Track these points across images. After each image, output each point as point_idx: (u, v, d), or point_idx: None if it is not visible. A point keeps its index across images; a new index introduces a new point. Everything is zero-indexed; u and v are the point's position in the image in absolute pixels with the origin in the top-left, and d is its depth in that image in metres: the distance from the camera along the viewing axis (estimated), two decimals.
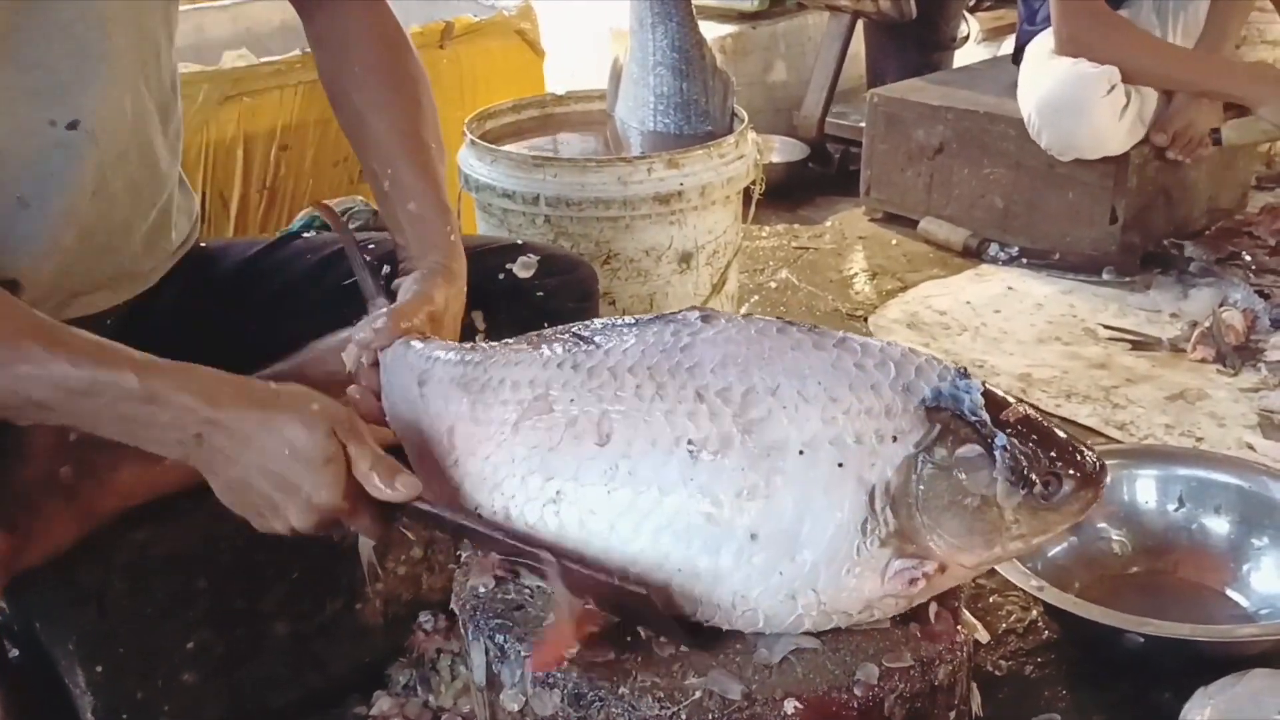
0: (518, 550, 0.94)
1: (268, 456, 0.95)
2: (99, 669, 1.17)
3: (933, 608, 0.94)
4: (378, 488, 0.95)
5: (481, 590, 0.98)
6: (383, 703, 1.32)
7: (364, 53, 1.30)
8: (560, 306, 1.37)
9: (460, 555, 1.05)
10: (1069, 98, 2.35)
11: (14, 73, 1.10)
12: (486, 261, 1.37)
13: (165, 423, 0.95)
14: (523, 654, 0.91)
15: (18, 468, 1.11)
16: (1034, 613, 1.44)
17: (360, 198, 1.97)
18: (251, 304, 1.38)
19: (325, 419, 0.95)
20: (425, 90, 1.32)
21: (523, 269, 1.39)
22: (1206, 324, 2.16)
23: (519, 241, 1.47)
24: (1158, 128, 2.39)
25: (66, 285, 1.22)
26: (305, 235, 1.59)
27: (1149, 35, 2.40)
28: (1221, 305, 2.24)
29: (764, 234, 2.79)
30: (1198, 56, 2.40)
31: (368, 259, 1.26)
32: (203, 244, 1.46)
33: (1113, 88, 2.31)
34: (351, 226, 1.59)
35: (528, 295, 1.37)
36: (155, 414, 0.95)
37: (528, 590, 0.98)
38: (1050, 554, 1.44)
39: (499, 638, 0.93)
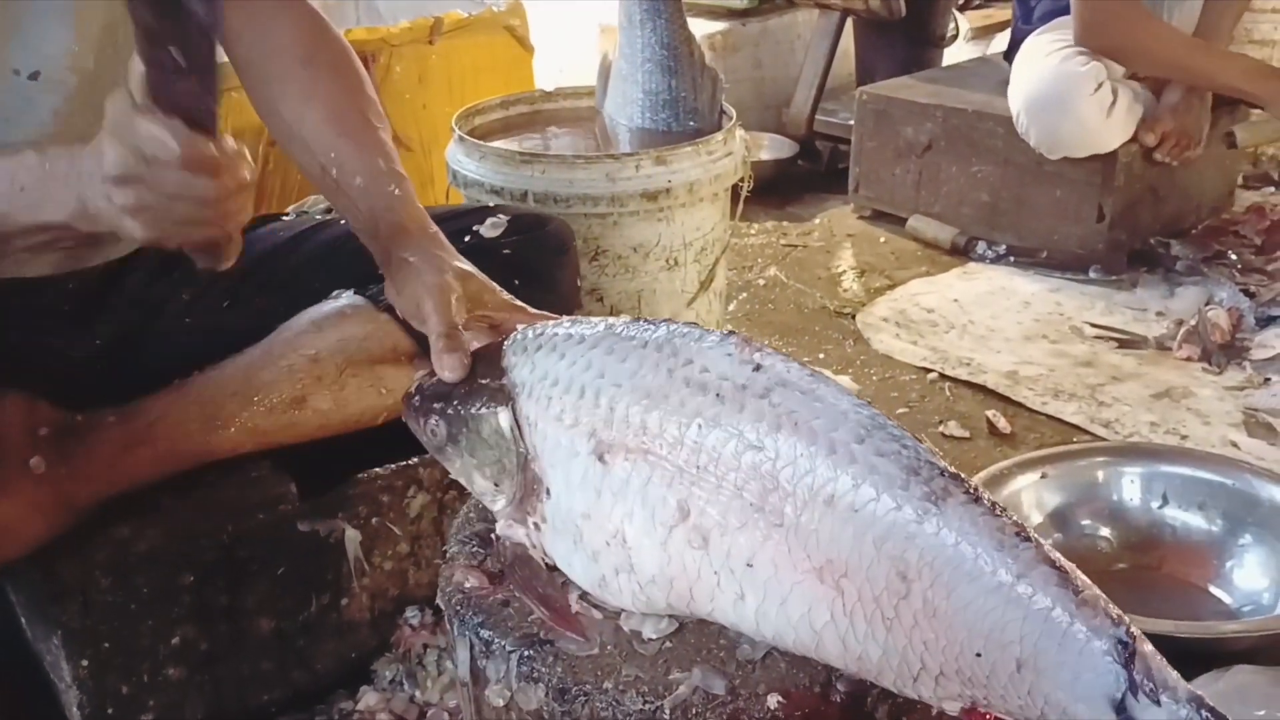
0: None
1: None
2: (84, 664, 1.17)
3: None
4: None
5: (467, 586, 0.98)
6: (369, 698, 1.32)
7: (285, 46, 1.26)
8: (531, 262, 1.37)
9: (446, 551, 1.05)
10: (1056, 95, 2.35)
11: None
12: (454, 225, 1.36)
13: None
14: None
15: None
16: None
17: None
18: (219, 281, 1.37)
19: None
20: (359, 75, 1.29)
21: (491, 229, 1.39)
22: (1192, 322, 2.17)
23: (490, 205, 1.47)
24: (1146, 127, 2.40)
25: (27, 237, 1.17)
26: (282, 216, 1.58)
27: (1167, 25, 2.39)
28: (1207, 304, 2.25)
29: (752, 231, 2.79)
30: (1214, 50, 2.40)
31: None
32: None
33: (1099, 85, 2.32)
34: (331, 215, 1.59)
35: (495, 254, 1.36)
36: None
37: (513, 586, 0.98)
38: None
39: (484, 633, 0.93)
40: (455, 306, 1.04)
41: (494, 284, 1.12)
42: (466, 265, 1.12)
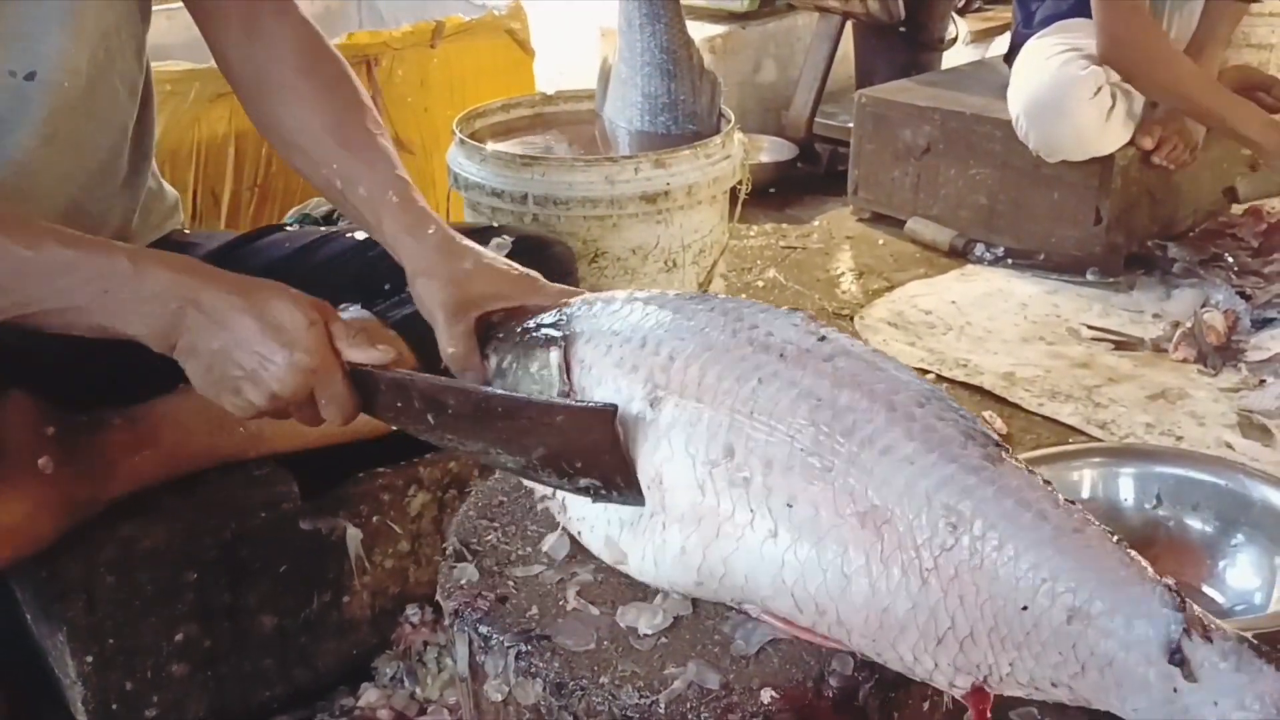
0: (491, 408, 0.97)
1: (251, 324, 0.99)
2: (89, 661, 1.18)
3: None
4: (360, 348, 1.00)
5: (465, 583, 0.99)
6: (369, 695, 1.33)
7: (283, 58, 1.27)
8: None
9: (446, 548, 1.07)
10: (1056, 99, 2.37)
11: None
12: None
13: (149, 295, 0.99)
14: None
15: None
16: None
17: None
18: None
19: (304, 298, 1.02)
20: (355, 86, 1.30)
21: (497, 250, 1.40)
22: (1188, 324, 2.18)
23: (494, 225, 1.48)
24: (1144, 130, 2.41)
25: None
26: (287, 228, 1.60)
27: (1187, 59, 2.38)
28: (1204, 306, 2.26)
29: (752, 233, 2.81)
30: (1227, 94, 2.37)
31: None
32: (185, 231, 1.47)
33: (1099, 89, 2.33)
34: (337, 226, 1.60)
35: None
36: (140, 287, 0.99)
37: (511, 582, 0.99)
38: None
39: (482, 629, 0.94)
40: (458, 335, 1.07)
41: (506, 265, 1.13)
42: (469, 261, 1.12)
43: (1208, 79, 2.39)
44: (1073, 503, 0.81)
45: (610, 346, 0.95)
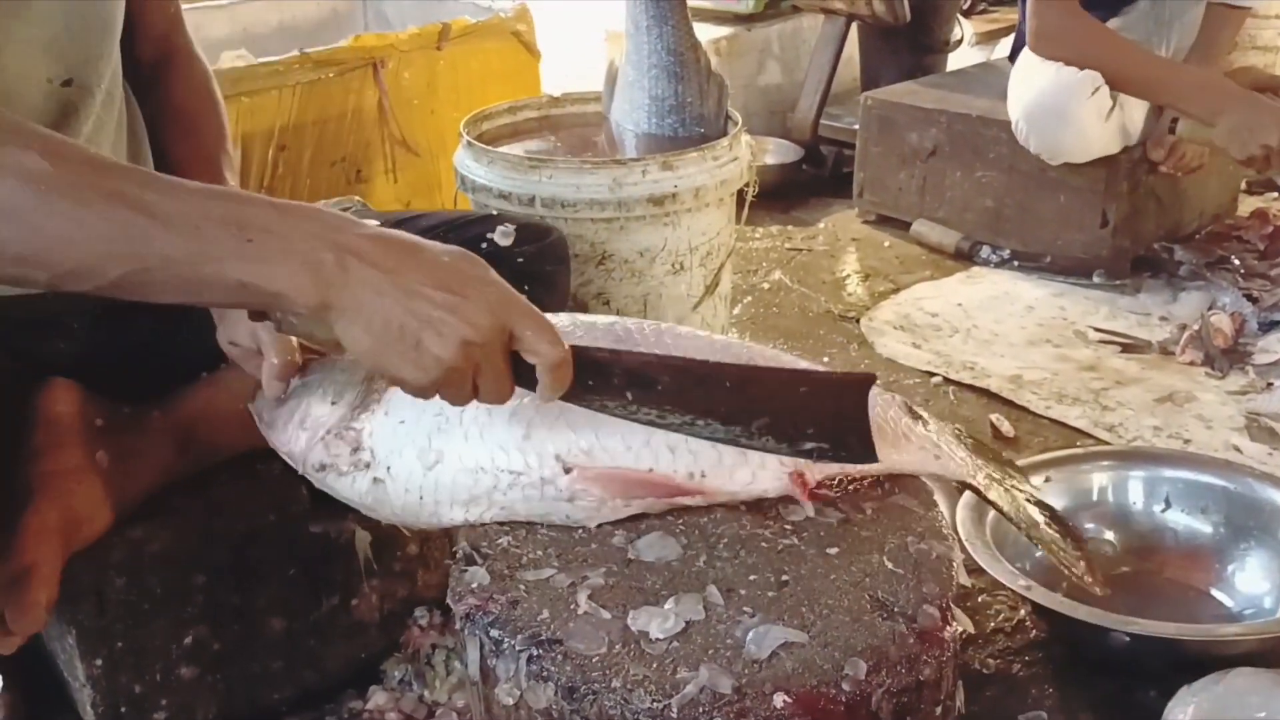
0: (717, 381, 1.01)
1: (429, 264, 0.89)
2: (98, 663, 1.19)
3: (922, 604, 0.95)
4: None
5: (476, 586, 0.99)
6: (378, 697, 1.33)
7: (178, 119, 1.35)
8: (539, 270, 1.47)
9: (456, 552, 1.07)
10: (1053, 103, 2.37)
11: (25, 27, 1.12)
12: (469, 231, 1.46)
13: (304, 248, 0.86)
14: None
15: (55, 454, 1.12)
16: (1021, 612, 1.46)
17: (357, 198, 1.98)
18: None
19: (466, 252, 0.94)
20: (222, 133, 1.37)
21: (503, 237, 1.49)
22: (1195, 327, 2.18)
23: (492, 213, 1.53)
24: (1154, 143, 2.41)
25: None
26: None
27: (1117, 36, 2.39)
28: (1210, 309, 2.26)
29: (757, 235, 2.81)
30: (1160, 64, 2.39)
31: None
32: None
33: (1096, 90, 2.33)
34: None
35: (509, 261, 1.43)
36: (292, 238, 0.86)
37: (522, 586, 0.99)
38: (1039, 554, 1.46)
39: (493, 632, 0.94)
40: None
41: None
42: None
43: (1143, 53, 2.38)
44: None
45: None
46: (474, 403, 0.95)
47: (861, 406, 1.01)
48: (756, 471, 1.04)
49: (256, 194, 0.92)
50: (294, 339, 1.07)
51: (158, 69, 1.36)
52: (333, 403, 1.07)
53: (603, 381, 0.97)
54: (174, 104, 1.35)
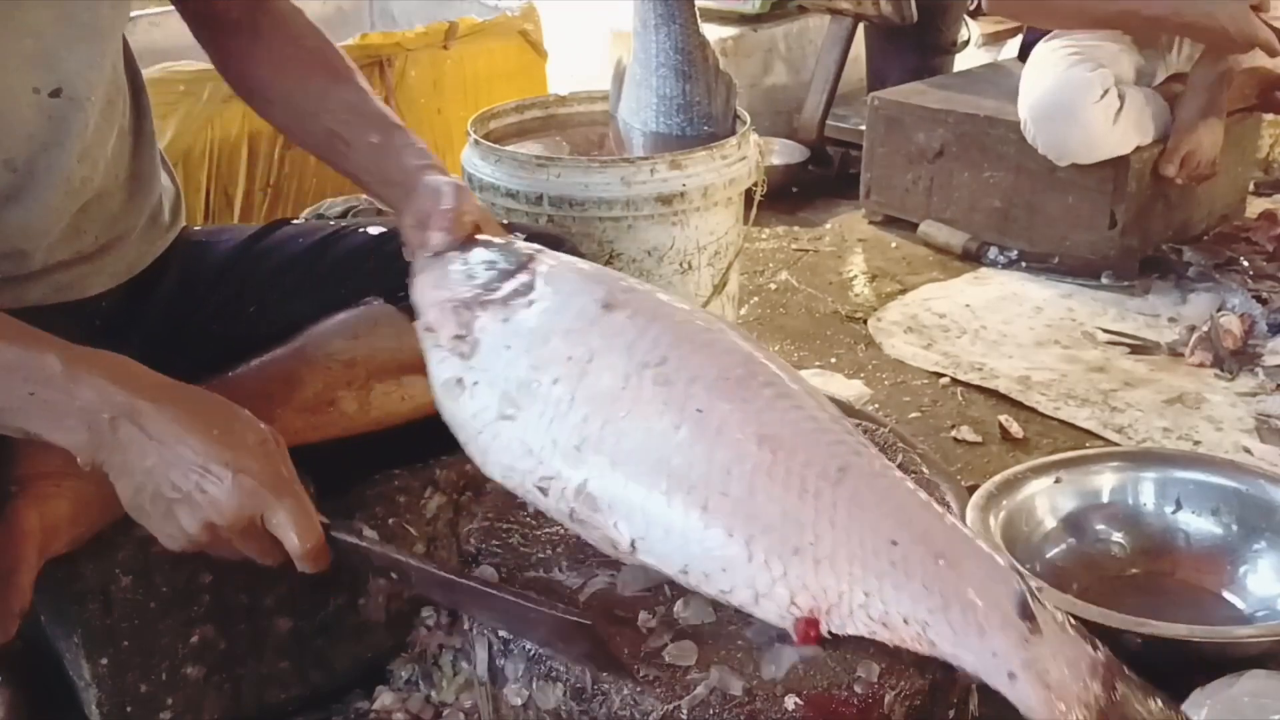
0: (449, 582, 0.95)
1: (192, 440, 0.92)
2: (103, 662, 1.18)
3: None
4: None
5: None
6: (385, 698, 1.33)
7: (290, 68, 1.33)
8: None
9: (465, 552, 1.06)
10: (1062, 103, 2.36)
11: (7, 39, 1.10)
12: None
13: (81, 405, 0.92)
14: None
15: (38, 456, 1.12)
16: None
17: (364, 196, 1.97)
18: (246, 287, 1.38)
19: (251, 416, 0.97)
20: (346, 65, 1.35)
21: None
22: (1204, 328, 2.17)
23: (505, 222, 1.49)
24: (1165, 159, 2.40)
25: (62, 251, 1.22)
26: (295, 221, 1.59)
27: None
28: (1219, 310, 2.25)
29: (764, 236, 2.80)
30: None
31: None
32: (195, 227, 1.47)
33: (1105, 92, 2.33)
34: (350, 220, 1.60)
35: None
36: (73, 394, 0.92)
37: (530, 586, 0.98)
38: (1049, 555, 1.45)
39: (502, 632, 0.94)
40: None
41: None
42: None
43: None
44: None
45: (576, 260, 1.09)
46: (562, 385, 0.95)
47: (593, 651, 0.88)
48: (760, 598, 0.90)
49: (54, 339, 0.96)
50: (478, 200, 1.14)
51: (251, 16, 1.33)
52: (471, 278, 1.05)
53: (362, 565, 1.00)
54: (287, 46, 1.33)
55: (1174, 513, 1.50)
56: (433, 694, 1.33)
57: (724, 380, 0.94)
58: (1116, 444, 1.85)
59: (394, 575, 0.99)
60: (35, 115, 1.14)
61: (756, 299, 2.48)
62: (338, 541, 0.96)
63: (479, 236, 1.11)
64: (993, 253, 2.60)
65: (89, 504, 1.13)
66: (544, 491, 0.95)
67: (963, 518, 1.38)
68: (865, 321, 2.35)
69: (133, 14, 1.31)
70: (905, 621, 0.85)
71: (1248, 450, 1.84)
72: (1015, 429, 1.91)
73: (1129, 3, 2.35)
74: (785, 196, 3.07)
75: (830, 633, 0.88)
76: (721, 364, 0.96)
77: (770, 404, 0.94)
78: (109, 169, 1.25)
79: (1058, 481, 1.50)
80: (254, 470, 0.93)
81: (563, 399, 0.95)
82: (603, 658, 0.88)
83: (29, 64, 1.12)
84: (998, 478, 1.50)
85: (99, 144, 1.22)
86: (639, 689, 0.87)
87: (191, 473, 0.92)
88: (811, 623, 0.88)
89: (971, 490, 1.50)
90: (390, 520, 1.32)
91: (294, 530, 0.94)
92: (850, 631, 0.87)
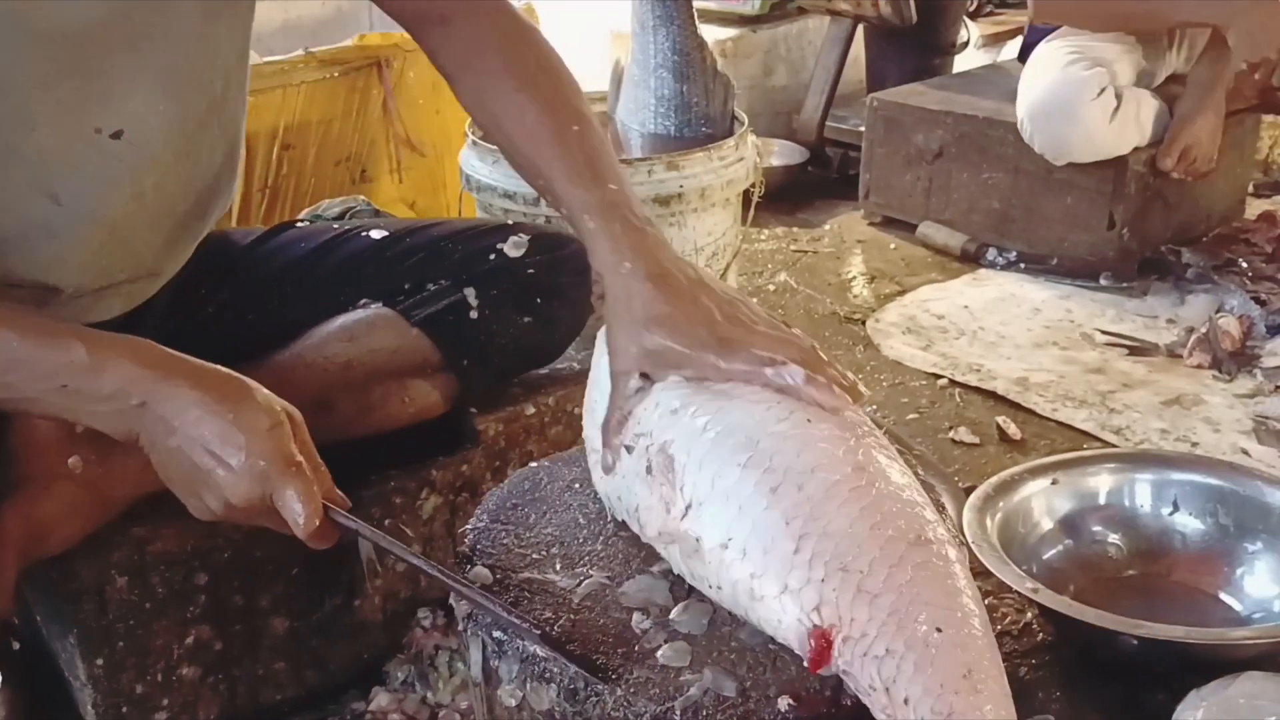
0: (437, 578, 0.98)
1: (208, 425, 0.97)
2: (99, 663, 1.18)
3: None
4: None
5: (479, 587, 0.99)
6: (381, 699, 1.33)
7: (490, 58, 1.26)
8: (553, 282, 1.39)
9: (459, 553, 1.06)
10: (1059, 101, 2.36)
11: (79, 80, 1.09)
12: (478, 243, 1.39)
13: (109, 392, 0.98)
14: None
15: (26, 459, 1.12)
16: (1029, 615, 1.45)
17: (362, 197, 1.98)
18: (247, 291, 1.38)
19: (273, 398, 1.00)
20: (559, 67, 1.30)
21: (514, 248, 1.39)
22: (1203, 330, 2.17)
23: (510, 222, 1.48)
24: (1163, 152, 2.40)
25: (90, 284, 1.21)
26: (297, 224, 1.59)
27: None
28: (1218, 311, 2.25)
29: (763, 237, 2.80)
30: None
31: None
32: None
33: (1102, 91, 2.33)
34: (352, 223, 1.60)
35: (519, 273, 1.38)
36: (100, 383, 0.98)
37: (525, 587, 0.98)
38: (1046, 557, 1.45)
39: (496, 633, 0.93)
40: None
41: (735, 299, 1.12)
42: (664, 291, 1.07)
43: None
44: None
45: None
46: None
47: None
48: (786, 592, 0.88)
49: (74, 326, 1.03)
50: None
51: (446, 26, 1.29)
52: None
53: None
54: (478, 64, 1.27)
55: (1171, 514, 1.50)
56: (429, 695, 1.33)
57: (839, 423, 0.96)
58: (1114, 445, 1.85)
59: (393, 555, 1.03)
60: (90, 153, 1.13)
61: (755, 300, 2.45)
62: (340, 523, 1.00)
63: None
64: (991, 254, 2.60)
65: (79, 506, 1.13)
66: (629, 449, 1.00)
67: (959, 519, 1.38)
68: (864, 322, 2.35)
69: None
70: (905, 702, 0.80)
71: (1245, 452, 1.84)
72: (1013, 430, 1.91)
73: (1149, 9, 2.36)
74: (784, 198, 3.06)
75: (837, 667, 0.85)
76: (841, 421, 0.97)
77: (875, 456, 0.94)
78: (156, 219, 1.23)
79: (1055, 483, 1.50)
80: (264, 452, 0.97)
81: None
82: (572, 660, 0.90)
83: (94, 105, 1.11)
84: (995, 479, 1.50)
85: (157, 190, 1.20)
86: (632, 690, 0.87)
87: (208, 456, 0.97)
88: (825, 637, 0.84)
89: (969, 491, 1.49)
90: (386, 521, 1.32)
91: (296, 509, 0.97)
92: (852, 671, 0.83)
